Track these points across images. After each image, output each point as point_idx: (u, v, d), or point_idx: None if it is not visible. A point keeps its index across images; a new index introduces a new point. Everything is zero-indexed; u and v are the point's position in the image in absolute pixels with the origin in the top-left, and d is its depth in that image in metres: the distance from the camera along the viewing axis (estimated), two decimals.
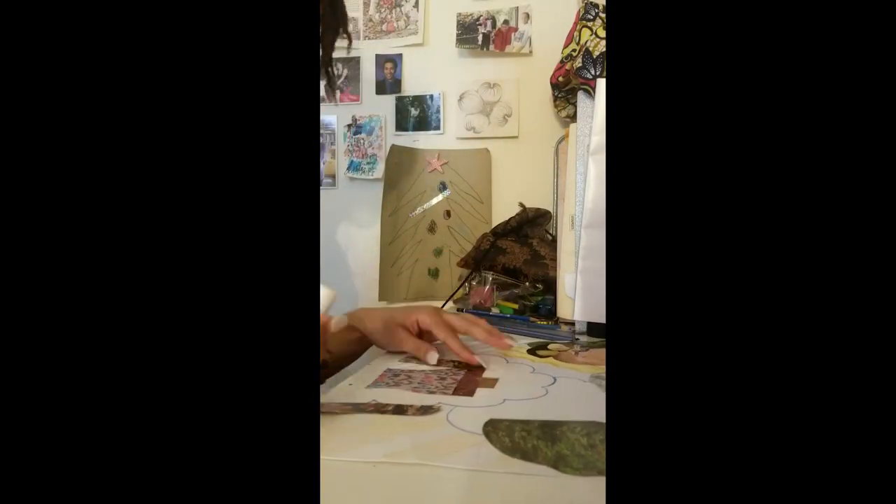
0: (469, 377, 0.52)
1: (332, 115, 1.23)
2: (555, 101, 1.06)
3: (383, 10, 1.21)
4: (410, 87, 1.21)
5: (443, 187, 1.19)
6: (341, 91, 1.22)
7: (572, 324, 0.78)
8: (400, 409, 0.42)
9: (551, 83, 1.02)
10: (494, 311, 0.90)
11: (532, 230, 1.04)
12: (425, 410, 0.42)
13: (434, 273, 1.19)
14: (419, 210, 1.20)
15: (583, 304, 0.69)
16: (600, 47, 0.83)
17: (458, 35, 1.16)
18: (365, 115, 1.23)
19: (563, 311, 0.79)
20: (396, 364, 0.58)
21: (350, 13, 1.21)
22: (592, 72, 0.83)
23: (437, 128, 1.20)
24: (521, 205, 1.11)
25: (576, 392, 0.47)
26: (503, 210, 1.14)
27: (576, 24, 0.92)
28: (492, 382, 0.50)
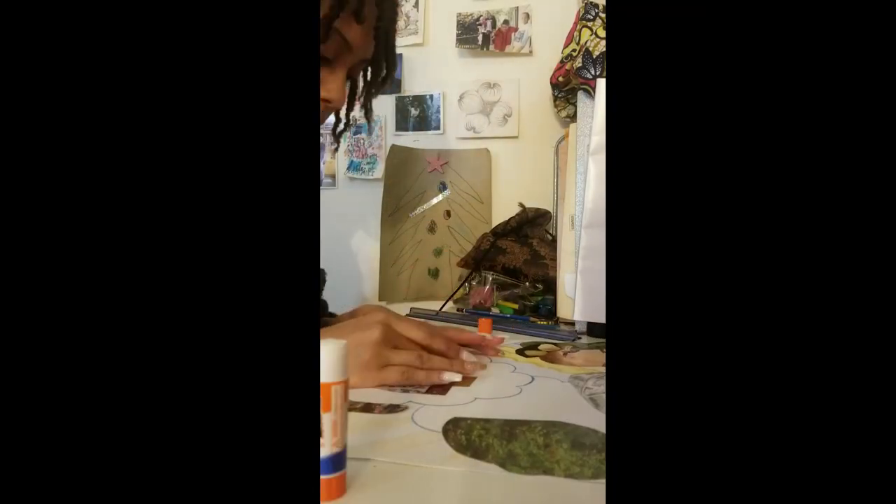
0: None
1: (332, 115, 1.23)
2: (555, 101, 1.06)
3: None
4: (410, 87, 1.21)
5: (443, 187, 1.19)
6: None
7: (572, 324, 0.78)
8: (368, 407, 0.42)
9: (551, 83, 1.02)
10: (494, 311, 0.90)
11: (532, 230, 1.04)
12: (392, 409, 0.42)
13: (434, 273, 1.19)
14: (419, 210, 1.20)
15: (583, 304, 0.69)
16: (600, 47, 0.83)
17: (458, 35, 1.16)
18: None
19: (563, 311, 0.79)
20: None
21: None
22: (592, 72, 0.83)
23: (437, 128, 1.20)
24: (521, 205, 1.11)
25: (550, 392, 0.47)
26: (503, 210, 1.14)
27: (576, 24, 0.92)
28: (468, 381, 0.50)
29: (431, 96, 1.20)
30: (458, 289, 1.00)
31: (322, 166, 1.25)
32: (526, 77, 1.15)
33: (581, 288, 0.69)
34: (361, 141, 1.24)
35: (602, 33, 0.85)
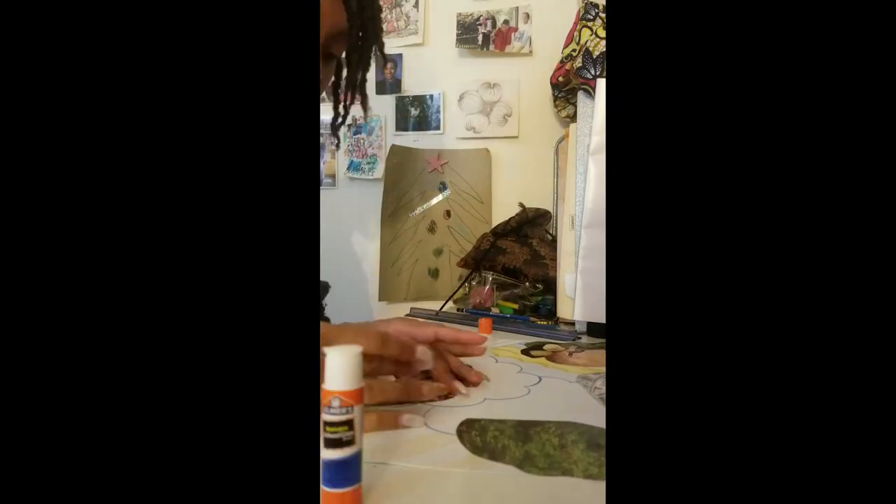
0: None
1: (332, 115, 1.23)
2: (555, 101, 1.06)
3: (383, 10, 1.21)
4: (410, 87, 1.21)
5: (443, 187, 1.19)
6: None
7: (572, 324, 0.78)
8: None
9: (551, 83, 1.02)
10: (494, 311, 0.90)
11: (532, 230, 1.04)
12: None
13: (434, 273, 1.19)
14: (419, 210, 1.20)
15: (583, 304, 0.69)
16: (600, 47, 0.83)
17: (458, 35, 1.16)
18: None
19: (563, 311, 0.79)
20: None
21: None
22: (592, 72, 0.83)
23: (437, 128, 1.20)
24: (521, 205, 1.11)
25: (559, 392, 0.47)
26: (503, 210, 1.14)
27: (576, 24, 0.92)
28: (477, 382, 0.50)
29: (431, 96, 1.20)
30: (458, 289, 1.00)
31: (322, 166, 1.25)
32: (526, 77, 1.15)
33: (581, 288, 0.69)
34: (361, 141, 1.24)
35: (602, 33, 0.85)
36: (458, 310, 0.94)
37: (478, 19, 1.16)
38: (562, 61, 0.95)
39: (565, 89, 1.00)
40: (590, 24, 0.88)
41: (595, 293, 0.68)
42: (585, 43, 0.86)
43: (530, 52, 1.14)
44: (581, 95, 0.78)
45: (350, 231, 1.26)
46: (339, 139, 0.75)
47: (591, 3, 0.88)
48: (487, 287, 0.94)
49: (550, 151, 1.10)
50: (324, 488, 0.26)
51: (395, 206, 1.21)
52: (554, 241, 1.00)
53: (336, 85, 0.67)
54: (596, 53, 0.83)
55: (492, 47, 1.15)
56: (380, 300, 1.19)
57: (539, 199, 1.11)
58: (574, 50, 0.91)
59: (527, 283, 0.93)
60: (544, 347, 0.66)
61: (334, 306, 0.95)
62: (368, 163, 1.23)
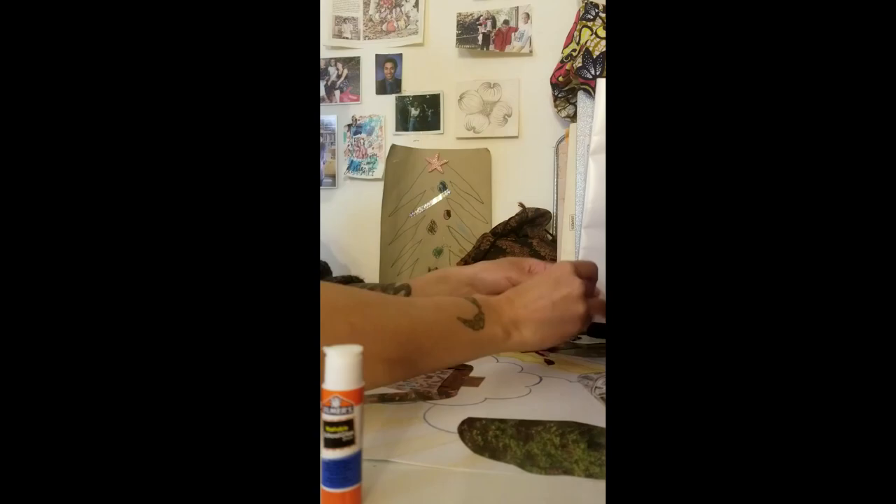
0: (455, 376, 0.52)
1: (332, 115, 1.23)
2: (555, 101, 1.06)
3: (383, 10, 1.21)
4: (410, 87, 1.21)
5: (443, 187, 1.19)
6: (342, 91, 1.22)
7: None
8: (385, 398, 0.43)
9: (551, 83, 1.02)
10: None
11: (532, 230, 1.04)
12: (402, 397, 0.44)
13: None
14: (419, 210, 1.20)
15: None
16: (600, 47, 0.83)
17: (458, 35, 1.16)
18: (365, 115, 1.23)
19: None
20: None
21: (350, 13, 1.22)
22: (592, 72, 0.83)
23: (437, 128, 1.20)
24: (521, 205, 1.11)
25: (560, 392, 0.47)
26: (503, 210, 1.14)
27: (576, 24, 0.92)
28: (477, 381, 0.50)
29: (431, 96, 1.20)
30: None
31: (322, 166, 1.25)
32: (526, 77, 1.14)
33: None
34: (361, 141, 1.23)
35: (602, 33, 0.85)
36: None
37: (478, 19, 1.16)
38: (562, 61, 0.95)
39: (565, 89, 1.00)
40: (590, 24, 0.88)
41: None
42: (585, 43, 0.86)
43: (530, 52, 1.14)
44: (581, 95, 0.78)
45: (350, 231, 1.25)
46: None
47: (591, 3, 0.88)
48: None
49: (550, 151, 1.10)
50: (324, 488, 0.26)
51: (395, 206, 1.21)
52: (554, 241, 1.00)
53: None
54: (596, 53, 0.83)
55: (492, 47, 1.15)
56: None
57: (539, 199, 1.11)
58: (574, 50, 0.91)
59: None
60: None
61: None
62: (368, 163, 1.23)
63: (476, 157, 1.18)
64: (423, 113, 1.20)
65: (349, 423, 0.26)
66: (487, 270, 0.62)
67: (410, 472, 0.32)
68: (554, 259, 0.90)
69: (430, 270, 1.19)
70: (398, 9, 1.21)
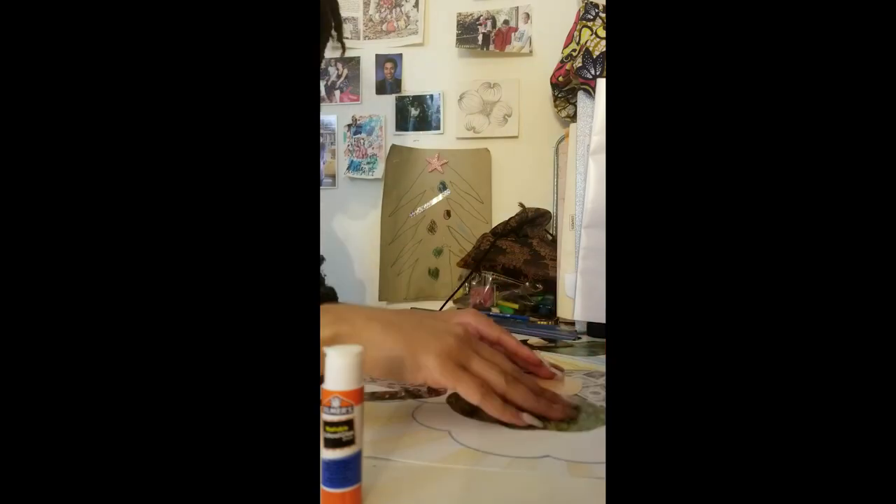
0: None
1: (332, 115, 1.23)
2: (555, 101, 1.06)
3: (383, 10, 1.21)
4: (410, 87, 1.21)
5: (443, 187, 1.19)
6: (342, 91, 1.22)
7: (572, 324, 0.78)
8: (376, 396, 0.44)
9: (551, 83, 1.02)
10: (494, 311, 0.90)
11: (532, 230, 1.04)
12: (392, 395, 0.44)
13: (434, 273, 1.19)
14: (419, 210, 1.20)
15: (583, 304, 0.69)
16: (600, 47, 0.83)
17: (458, 35, 1.16)
18: (365, 115, 1.23)
19: (563, 311, 0.79)
20: None
21: (350, 13, 1.22)
22: (592, 72, 0.83)
23: (437, 128, 1.20)
24: (521, 205, 1.11)
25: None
26: (503, 210, 1.14)
27: (576, 24, 0.92)
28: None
29: (431, 96, 1.20)
30: (458, 289, 1.00)
31: (322, 166, 1.25)
32: (526, 77, 1.15)
33: (581, 288, 0.69)
34: (361, 141, 1.24)
35: (602, 33, 0.85)
36: (458, 310, 0.94)
37: (478, 19, 1.16)
38: (562, 61, 0.95)
39: (565, 89, 1.00)
40: (590, 24, 0.88)
41: (595, 293, 0.68)
42: (585, 43, 0.86)
43: (530, 52, 1.14)
44: (581, 95, 0.78)
45: (350, 231, 1.25)
46: None
47: (591, 3, 0.88)
48: (487, 287, 0.94)
49: (550, 151, 1.10)
50: (324, 488, 0.26)
51: (395, 206, 1.21)
52: (554, 241, 1.00)
53: None
54: (596, 53, 0.83)
55: (492, 47, 1.15)
56: (380, 300, 1.19)
57: (539, 199, 1.11)
58: (574, 50, 0.91)
59: (527, 283, 0.93)
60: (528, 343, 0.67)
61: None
62: (368, 163, 1.23)
63: (476, 157, 1.18)
64: (422, 113, 1.20)
65: (349, 423, 0.26)
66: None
67: (404, 471, 0.32)
68: (554, 259, 0.90)
69: (429, 271, 1.19)
70: (398, 9, 1.21)
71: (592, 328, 0.74)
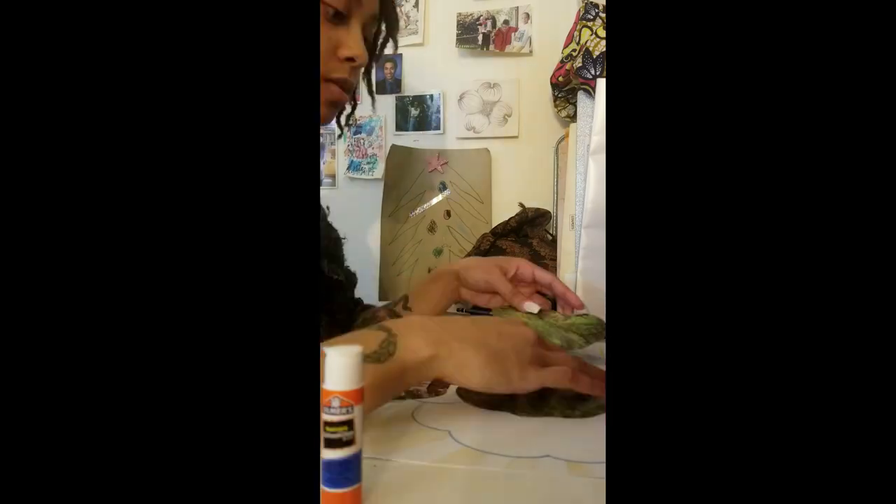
0: None
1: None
2: (555, 101, 1.06)
3: None
4: (410, 87, 1.21)
5: (443, 187, 1.19)
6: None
7: None
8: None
9: (551, 83, 1.02)
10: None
11: (532, 230, 1.04)
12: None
13: None
14: (419, 210, 1.20)
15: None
16: (600, 47, 0.83)
17: (458, 35, 1.16)
18: (365, 115, 1.23)
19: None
20: None
21: None
22: (592, 72, 0.83)
23: (437, 128, 1.20)
24: (521, 205, 1.11)
25: None
26: (503, 210, 1.14)
27: (576, 24, 0.92)
28: None
29: (431, 96, 1.20)
30: None
31: (322, 166, 1.25)
32: (526, 77, 1.15)
33: (581, 288, 0.69)
34: (361, 141, 1.24)
35: (602, 33, 0.85)
36: (458, 310, 0.94)
37: (478, 19, 1.16)
38: (562, 61, 0.95)
39: (565, 89, 1.00)
40: (590, 24, 0.88)
41: (595, 293, 0.68)
42: (585, 43, 0.86)
43: (530, 52, 1.14)
44: (581, 95, 0.78)
45: (350, 231, 1.25)
46: (342, 130, 0.76)
47: (591, 3, 0.88)
48: None
49: (550, 151, 1.10)
50: (324, 489, 0.26)
51: (395, 206, 1.21)
52: (554, 241, 1.00)
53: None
54: (596, 53, 0.83)
55: (492, 47, 1.15)
56: (380, 300, 1.19)
57: (539, 199, 1.11)
58: (574, 50, 0.91)
59: None
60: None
61: None
62: (368, 163, 1.23)
63: (476, 157, 1.18)
64: (422, 113, 1.20)
65: (349, 423, 0.26)
66: (472, 268, 0.63)
67: (404, 471, 0.32)
68: (554, 259, 0.90)
69: (429, 271, 1.19)
70: (398, 9, 1.21)
71: None
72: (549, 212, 1.07)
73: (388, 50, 0.69)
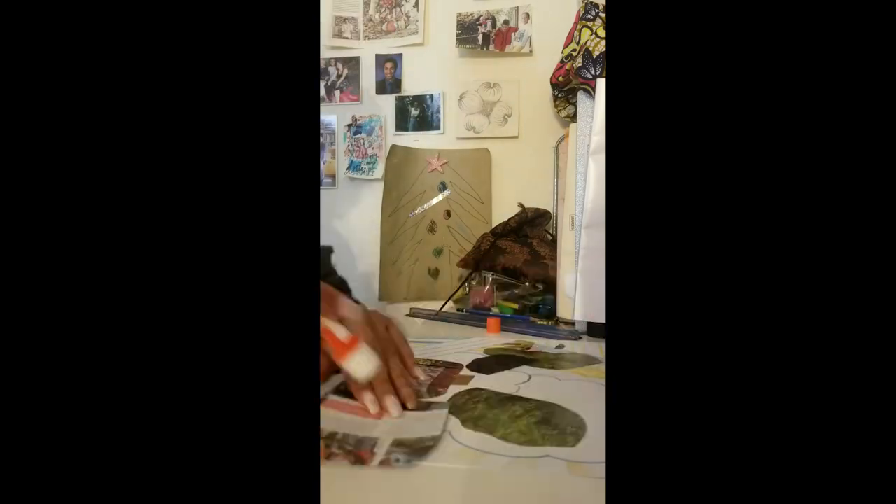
0: (446, 374, 0.53)
1: (332, 115, 1.23)
2: (555, 101, 1.06)
3: (383, 10, 1.21)
4: (410, 87, 1.21)
5: (443, 187, 1.19)
6: (342, 91, 1.22)
7: (572, 324, 0.78)
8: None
9: (551, 83, 1.02)
10: (494, 310, 0.90)
11: (532, 230, 1.04)
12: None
13: (434, 273, 1.19)
14: (419, 210, 1.20)
15: (583, 304, 0.69)
16: (600, 47, 0.83)
17: (458, 35, 1.16)
18: (365, 115, 1.23)
19: (563, 311, 0.79)
20: None
21: (350, 13, 1.22)
22: (592, 72, 0.83)
23: (437, 128, 1.20)
24: (521, 205, 1.11)
25: (548, 390, 0.48)
26: (503, 210, 1.14)
27: (576, 24, 0.92)
28: (466, 380, 0.50)
29: (431, 96, 1.20)
30: (459, 289, 1.00)
31: (322, 166, 1.25)
32: (526, 77, 1.15)
33: (581, 288, 0.69)
34: (361, 141, 1.24)
35: (602, 33, 0.85)
36: (458, 310, 0.94)
37: (478, 19, 1.16)
38: (562, 61, 0.95)
39: (565, 89, 1.00)
40: (590, 24, 0.88)
41: (595, 293, 0.68)
42: (585, 43, 0.86)
43: (530, 52, 1.14)
44: (581, 95, 0.78)
45: (350, 231, 1.25)
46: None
47: (591, 3, 0.88)
48: (487, 287, 0.94)
49: (550, 151, 1.10)
50: None
51: (395, 206, 1.21)
52: (554, 241, 1.00)
53: None
54: (596, 53, 0.83)
55: (492, 47, 1.15)
56: (380, 300, 1.19)
57: (539, 199, 1.11)
58: (574, 50, 0.91)
59: (527, 283, 0.93)
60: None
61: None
62: (368, 163, 1.23)
63: (476, 157, 1.18)
64: (422, 113, 1.20)
65: None
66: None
67: (404, 471, 0.32)
68: (554, 259, 0.90)
69: (429, 271, 1.19)
70: (398, 9, 1.21)
71: (592, 328, 0.74)
72: (548, 212, 1.07)
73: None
